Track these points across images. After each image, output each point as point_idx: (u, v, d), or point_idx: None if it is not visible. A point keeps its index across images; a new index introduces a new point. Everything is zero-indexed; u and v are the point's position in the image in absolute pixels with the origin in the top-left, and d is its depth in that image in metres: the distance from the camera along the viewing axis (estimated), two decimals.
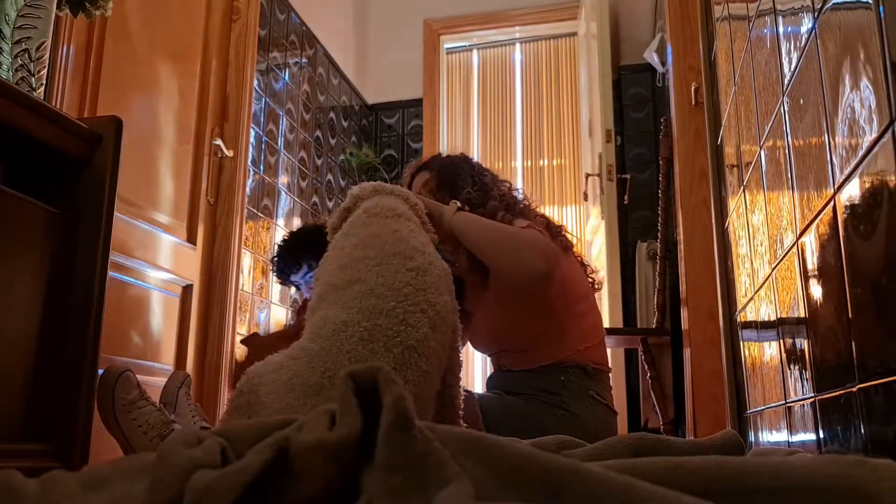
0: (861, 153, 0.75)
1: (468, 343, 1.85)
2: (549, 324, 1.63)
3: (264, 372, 1.06)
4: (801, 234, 1.02)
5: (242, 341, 1.89)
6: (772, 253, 1.23)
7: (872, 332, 0.75)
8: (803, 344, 1.05)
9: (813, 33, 0.92)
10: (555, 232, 1.73)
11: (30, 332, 1.19)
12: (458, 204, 1.60)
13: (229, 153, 2.66)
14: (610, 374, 1.73)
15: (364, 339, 1.05)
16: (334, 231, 1.33)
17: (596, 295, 1.81)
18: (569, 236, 1.77)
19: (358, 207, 1.31)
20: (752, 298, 1.46)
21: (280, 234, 3.02)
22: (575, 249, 1.79)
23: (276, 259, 2.04)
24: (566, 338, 1.63)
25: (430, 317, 1.10)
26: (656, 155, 3.22)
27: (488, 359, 1.93)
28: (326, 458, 0.45)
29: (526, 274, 1.52)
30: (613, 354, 3.20)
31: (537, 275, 1.51)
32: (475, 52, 4.37)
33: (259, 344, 1.79)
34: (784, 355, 1.18)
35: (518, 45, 4.32)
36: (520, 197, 1.82)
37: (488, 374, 1.82)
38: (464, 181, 1.75)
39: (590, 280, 1.77)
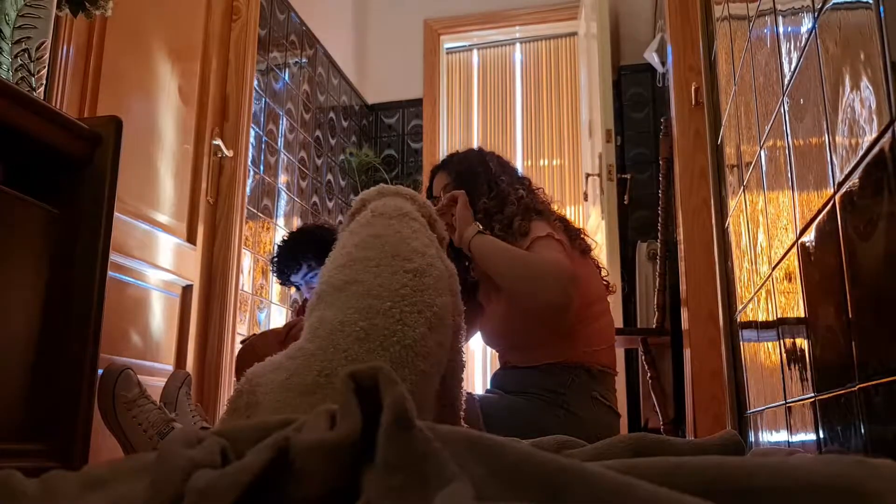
0: (861, 153, 0.75)
1: (472, 342, 1.85)
2: (559, 326, 1.62)
3: (263, 372, 1.07)
4: (801, 233, 1.02)
5: (243, 342, 1.89)
6: (772, 253, 1.23)
7: (872, 331, 0.75)
8: (803, 344, 1.05)
9: (813, 33, 0.92)
10: (573, 235, 1.72)
11: (30, 332, 1.19)
12: (480, 227, 1.62)
13: (229, 153, 2.66)
14: (615, 377, 1.73)
15: (360, 338, 1.06)
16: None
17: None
18: (587, 239, 1.76)
19: (366, 209, 1.32)
20: (752, 298, 1.46)
21: (280, 234, 3.01)
22: (593, 253, 1.79)
23: (275, 259, 2.04)
24: (574, 339, 1.63)
25: (427, 317, 1.11)
26: (656, 155, 3.22)
27: (489, 360, 1.93)
28: (326, 459, 0.45)
29: (543, 307, 1.53)
30: None
31: (554, 308, 1.52)
32: (475, 52, 4.37)
33: (251, 341, 1.80)
34: (784, 355, 1.18)
35: (518, 45, 4.32)
36: (539, 195, 1.80)
37: (493, 372, 1.82)
38: (480, 189, 1.73)
39: (604, 283, 1.77)
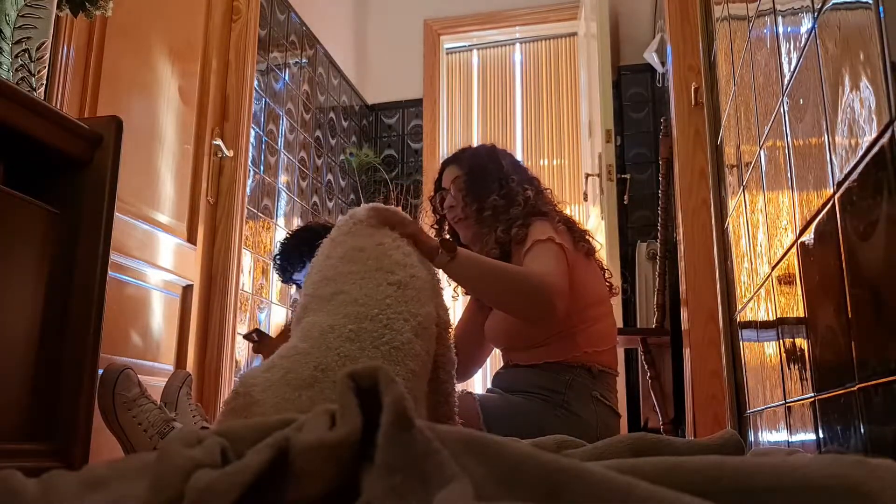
0: (860, 153, 0.75)
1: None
2: (560, 326, 1.62)
3: (256, 373, 1.10)
4: (801, 233, 1.02)
5: (245, 336, 1.90)
6: (771, 253, 1.23)
7: (872, 331, 0.75)
8: (803, 344, 1.05)
9: (812, 33, 0.92)
10: (577, 237, 1.72)
11: (30, 332, 1.19)
12: (448, 257, 1.43)
13: (229, 153, 2.66)
14: (616, 378, 1.73)
15: (351, 339, 1.10)
16: None
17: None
18: (592, 241, 1.76)
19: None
20: (751, 298, 1.46)
21: (280, 234, 3.01)
22: (597, 255, 1.78)
23: (278, 257, 2.04)
24: (575, 339, 1.63)
25: (412, 325, 1.15)
26: (656, 155, 3.22)
27: (489, 360, 1.93)
28: (326, 458, 0.45)
29: (529, 320, 1.57)
30: None
31: (539, 319, 1.55)
32: (475, 52, 4.37)
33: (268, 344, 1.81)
34: (784, 355, 1.18)
35: (518, 46, 4.32)
36: (546, 196, 1.80)
37: (496, 371, 1.82)
38: (490, 187, 1.73)
39: (607, 284, 1.77)
